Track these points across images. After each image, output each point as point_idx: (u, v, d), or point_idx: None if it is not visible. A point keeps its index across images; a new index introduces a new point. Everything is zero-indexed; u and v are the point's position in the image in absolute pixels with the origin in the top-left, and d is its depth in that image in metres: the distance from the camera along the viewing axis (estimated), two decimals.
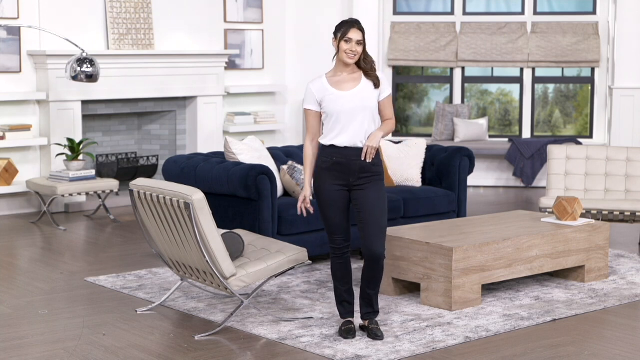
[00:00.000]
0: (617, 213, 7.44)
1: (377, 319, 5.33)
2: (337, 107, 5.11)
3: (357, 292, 5.75)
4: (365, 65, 5.15)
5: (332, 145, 5.14)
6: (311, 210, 5.24)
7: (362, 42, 5.09)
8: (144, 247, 7.54)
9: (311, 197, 5.24)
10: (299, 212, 5.26)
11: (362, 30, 5.10)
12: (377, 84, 5.16)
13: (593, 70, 11.38)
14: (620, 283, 6.49)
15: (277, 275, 5.42)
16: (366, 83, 5.16)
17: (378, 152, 5.20)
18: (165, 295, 5.86)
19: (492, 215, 6.92)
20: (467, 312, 5.73)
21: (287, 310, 5.73)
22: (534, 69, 11.46)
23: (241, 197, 6.68)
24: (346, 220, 5.22)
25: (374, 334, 5.19)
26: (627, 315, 5.74)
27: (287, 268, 5.43)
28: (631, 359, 4.93)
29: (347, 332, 5.21)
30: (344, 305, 5.31)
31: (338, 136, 5.13)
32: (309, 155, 5.22)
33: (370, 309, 5.28)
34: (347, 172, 5.14)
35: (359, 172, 5.13)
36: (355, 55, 5.09)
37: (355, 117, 5.11)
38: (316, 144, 5.22)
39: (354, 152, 5.12)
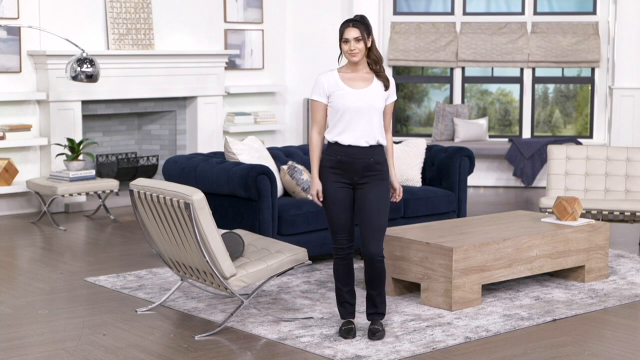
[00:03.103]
0: (617, 213, 7.44)
1: (382, 321, 5.32)
2: (346, 104, 5.08)
3: (360, 292, 5.75)
4: (370, 61, 5.09)
5: (336, 143, 5.13)
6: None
7: (362, 38, 5.03)
8: (144, 247, 7.54)
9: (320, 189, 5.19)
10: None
11: (358, 26, 5.02)
12: (387, 86, 5.14)
13: (593, 70, 11.38)
14: (620, 283, 6.49)
15: (277, 275, 5.42)
16: (377, 84, 5.14)
17: (382, 150, 5.18)
18: (165, 295, 5.86)
19: (492, 215, 6.92)
20: (467, 312, 5.73)
21: (287, 310, 5.73)
22: (534, 69, 11.46)
23: (241, 197, 6.68)
24: (350, 220, 5.20)
25: (371, 333, 5.17)
26: (627, 315, 5.74)
27: (287, 268, 5.43)
28: (631, 359, 4.93)
29: (347, 332, 5.21)
30: (345, 306, 5.30)
31: (342, 134, 5.10)
32: (317, 147, 5.16)
33: (373, 310, 5.26)
34: (350, 170, 5.12)
35: (363, 170, 5.12)
36: (357, 52, 5.05)
37: (362, 116, 5.09)
38: (323, 137, 5.20)
39: (358, 150, 5.10)
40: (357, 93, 5.10)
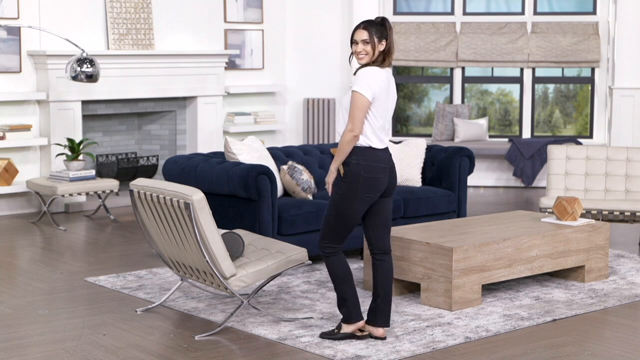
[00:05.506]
0: (617, 213, 7.44)
1: (341, 324, 5.21)
2: None
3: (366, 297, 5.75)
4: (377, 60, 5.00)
5: None
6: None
7: (369, 41, 4.92)
8: (144, 247, 7.54)
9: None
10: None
11: (368, 29, 4.93)
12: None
13: (593, 70, 11.38)
14: (620, 283, 6.49)
15: (277, 275, 5.42)
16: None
17: (351, 153, 5.00)
18: (165, 295, 5.86)
19: (492, 215, 6.92)
20: (467, 312, 5.73)
21: (287, 310, 5.73)
22: (534, 69, 11.46)
23: (241, 197, 6.68)
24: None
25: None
26: (627, 315, 5.74)
27: (287, 268, 5.43)
28: (631, 359, 4.94)
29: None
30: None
31: None
32: None
33: None
34: None
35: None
36: (364, 55, 4.97)
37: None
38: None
39: None
40: None
